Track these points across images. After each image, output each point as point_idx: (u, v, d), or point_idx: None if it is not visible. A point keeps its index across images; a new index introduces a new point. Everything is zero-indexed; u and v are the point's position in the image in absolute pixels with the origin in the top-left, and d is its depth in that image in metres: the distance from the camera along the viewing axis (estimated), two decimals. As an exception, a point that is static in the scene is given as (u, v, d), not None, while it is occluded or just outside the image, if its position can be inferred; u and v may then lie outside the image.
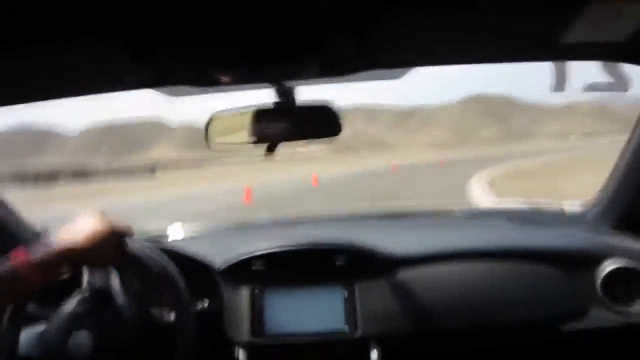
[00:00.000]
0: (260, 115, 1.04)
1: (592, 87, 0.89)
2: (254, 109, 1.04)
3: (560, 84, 0.86)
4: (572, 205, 1.64)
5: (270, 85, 0.98)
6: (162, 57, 0.89)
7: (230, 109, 1.07)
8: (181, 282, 1.10)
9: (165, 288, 1.10)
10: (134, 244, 1.10)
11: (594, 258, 1.33)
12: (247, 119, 1.06)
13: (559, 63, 0.86)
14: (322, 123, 1.02)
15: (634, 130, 1.23)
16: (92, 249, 0.92)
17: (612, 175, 1.39)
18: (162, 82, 1.04)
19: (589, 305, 1.30)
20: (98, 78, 1.03)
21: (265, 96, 1.02)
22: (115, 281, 1.07)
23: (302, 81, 1.01)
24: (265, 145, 1.07)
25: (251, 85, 1.06)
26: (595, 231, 1.44)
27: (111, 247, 0.96)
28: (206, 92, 1.08)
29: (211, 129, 1.10)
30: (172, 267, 1.11)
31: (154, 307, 1.18)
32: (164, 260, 1.11)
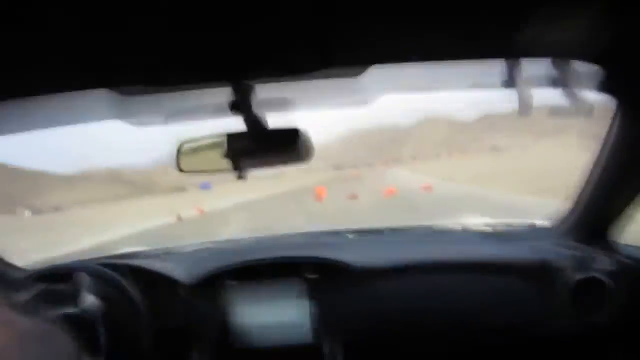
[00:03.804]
0: (231, 141, 1.02)
1: (556, 111, 0.91)
2: (225, 134, 1.02)
3: (525, 109, 0.88)
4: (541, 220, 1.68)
5: (228, 84, 0.94)
6: (117, 56, 0.85)
7: (201, 135, 1.06)
8: (138, 299, 1.10)
9: (123, 305, 1.10)
10: (91, 266, 1.09)
11: (561, 270, 1.37)
12: (218, 144, 1.04)
13: (524, 90, 0.88)
14: (293, 150, 1.00)
15: (600, 152, 1.27)
16: None
17: (579, 192, 1.44)
18: (117, 83, 0.99)
19: (556, 314, 1.35)
20: (47, 81, 0.95)
21: (236, 123, 1.00)
22: None
23: (261, 81, 0.97)
24: (235, 168, 1.05)
25: (221, 113, 1.03)
26: (562, 245, 1.48)
27: None
28: (161, 96, 1.03)
29: (182, 153, 1.08)
30: (126, 284, 1.11)
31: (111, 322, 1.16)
32: (116, 277, 1.11)
